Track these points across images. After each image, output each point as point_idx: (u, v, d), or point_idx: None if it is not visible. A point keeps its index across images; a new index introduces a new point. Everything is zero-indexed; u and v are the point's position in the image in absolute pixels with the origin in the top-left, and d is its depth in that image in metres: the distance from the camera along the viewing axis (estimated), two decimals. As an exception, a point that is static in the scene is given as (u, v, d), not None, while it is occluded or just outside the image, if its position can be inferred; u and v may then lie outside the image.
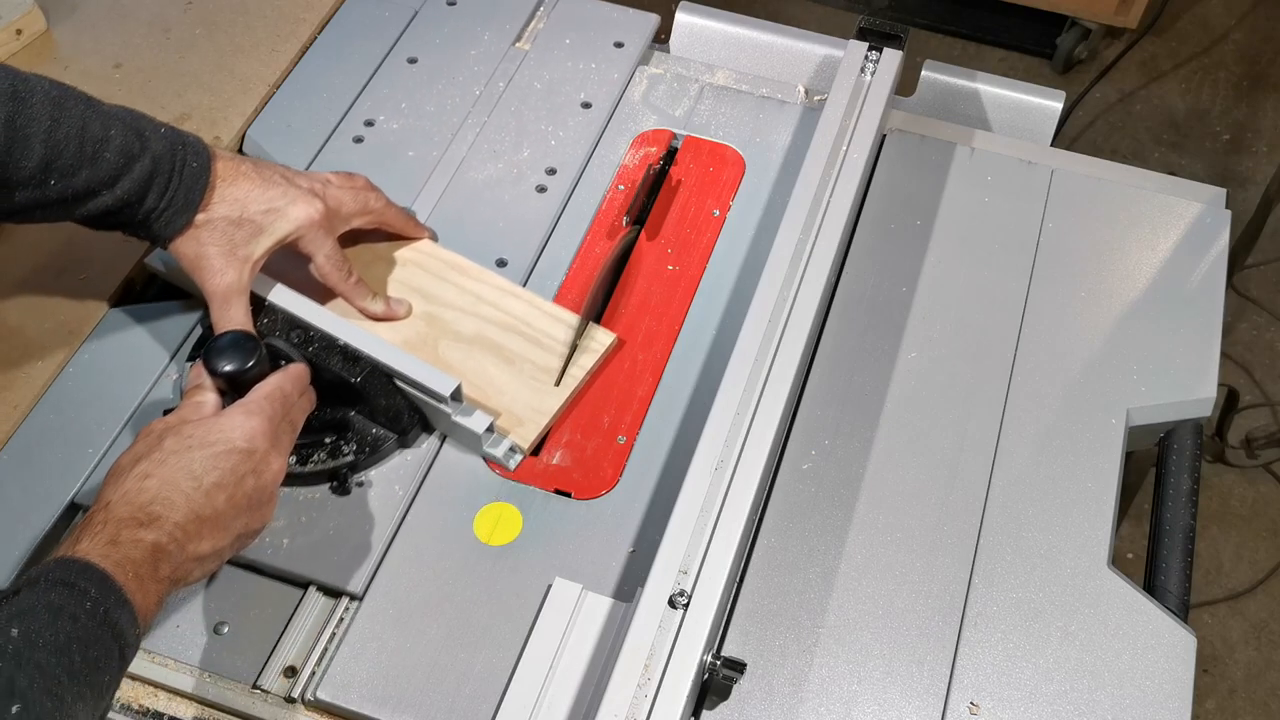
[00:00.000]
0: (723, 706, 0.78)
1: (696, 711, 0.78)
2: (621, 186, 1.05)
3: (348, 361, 0.84)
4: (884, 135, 1.10)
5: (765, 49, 1.16)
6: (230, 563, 0.82)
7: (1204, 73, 2.49)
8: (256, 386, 0.77)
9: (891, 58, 1.06)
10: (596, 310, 0.96)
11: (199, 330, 0.94)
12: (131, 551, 0.66)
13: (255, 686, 0.79)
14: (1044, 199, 1.05)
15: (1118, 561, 0.85)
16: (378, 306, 0.91)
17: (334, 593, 0.83)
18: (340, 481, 0.86)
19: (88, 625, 0.61)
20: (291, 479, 0.85)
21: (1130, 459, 0.94)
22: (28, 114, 0.77)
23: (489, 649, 0.80)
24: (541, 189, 1.04)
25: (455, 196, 1.04)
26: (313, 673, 0.79)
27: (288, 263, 0.88)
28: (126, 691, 0.80)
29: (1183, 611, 0.85)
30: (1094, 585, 0.83)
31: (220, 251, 0.83)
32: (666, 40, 1.18)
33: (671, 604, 0.75)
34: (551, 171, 1.06)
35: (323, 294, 0.91)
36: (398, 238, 0.97)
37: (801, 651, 0.80)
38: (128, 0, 1.18)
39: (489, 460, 0.88)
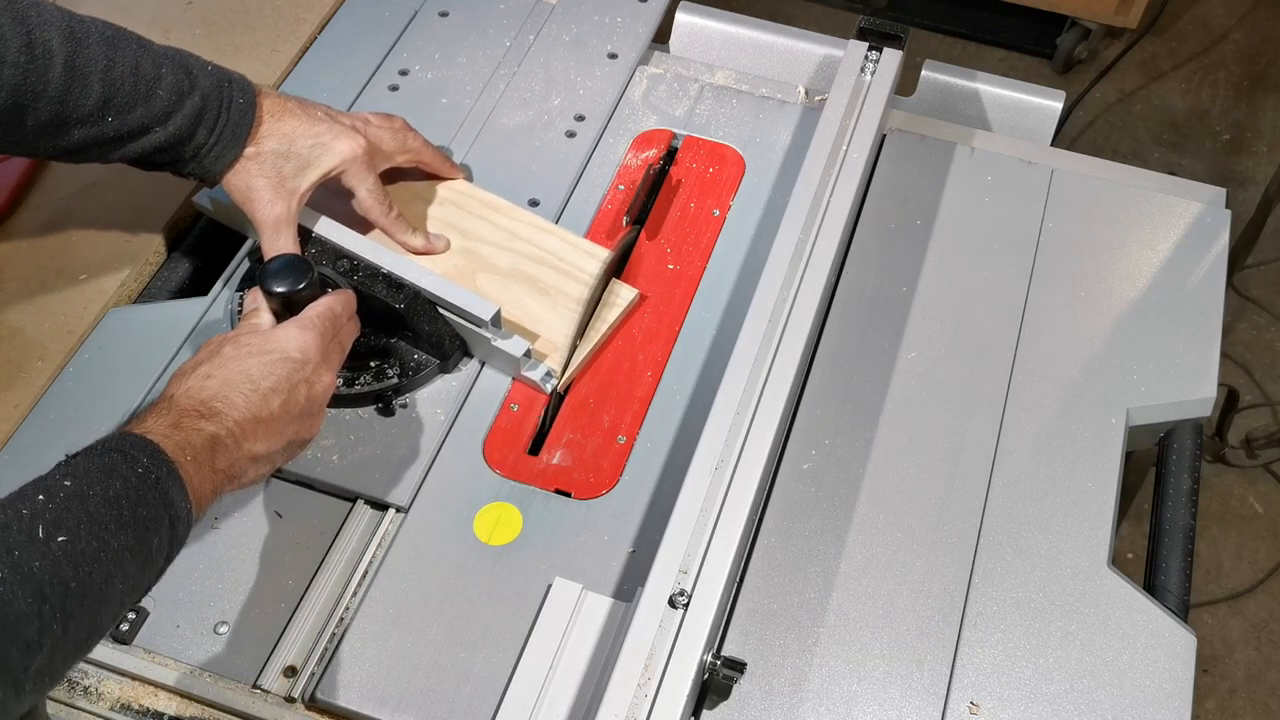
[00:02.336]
0: (723, 706, 0.78)
1: (696, 711, 0.78)
2: (621, 186, 1.05)
3: (392, 289, 0.87)
4: (884, 135, 1.10)
5: (765, 49, 1.16)
6: (284, 476, 0.87)
7: (1204, 73, 2.49)
8: (309, 306, 0.80)
9: (891, 58, 1.06)
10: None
11: (246, 264, 0.98)
12: (192, 437, 0.68)
13: (255, 686, 0.79)
14: (1044, 199, 1.05)
15: (1118, 561, 0.85)
16: (418, 240, 0.94)
17: (381, 505, 0.86)
18: (385, 403, 0.90)
19: (139, 487, 0.63)
20: (339, 400, 0.89)
21: (1130, 459, 0.94)
22: (86, 54, 0.80)
23: (489, 649, 0.80)
24: (571, 134, 1.08)
25: (487, 141, 1.08)
26: (313, 673, 0.79)
27: (332, 198, 0.91)
28: (127, 691, 0.80)
29: (1183, 611, 0.85)
30: (1094, 585, 0.83)
31: (269, 184, 0.86)
32: (666, 40, 1.18)
33: (671, 604, 0.75)
34: (580, 118, 1.09)
35: (364, 228, 0.93)
36: (434, 177, 1.00)
37: (801, 651, 0.80)
38: (127, 0, 1.18)
39: (528, 384, 0.91)
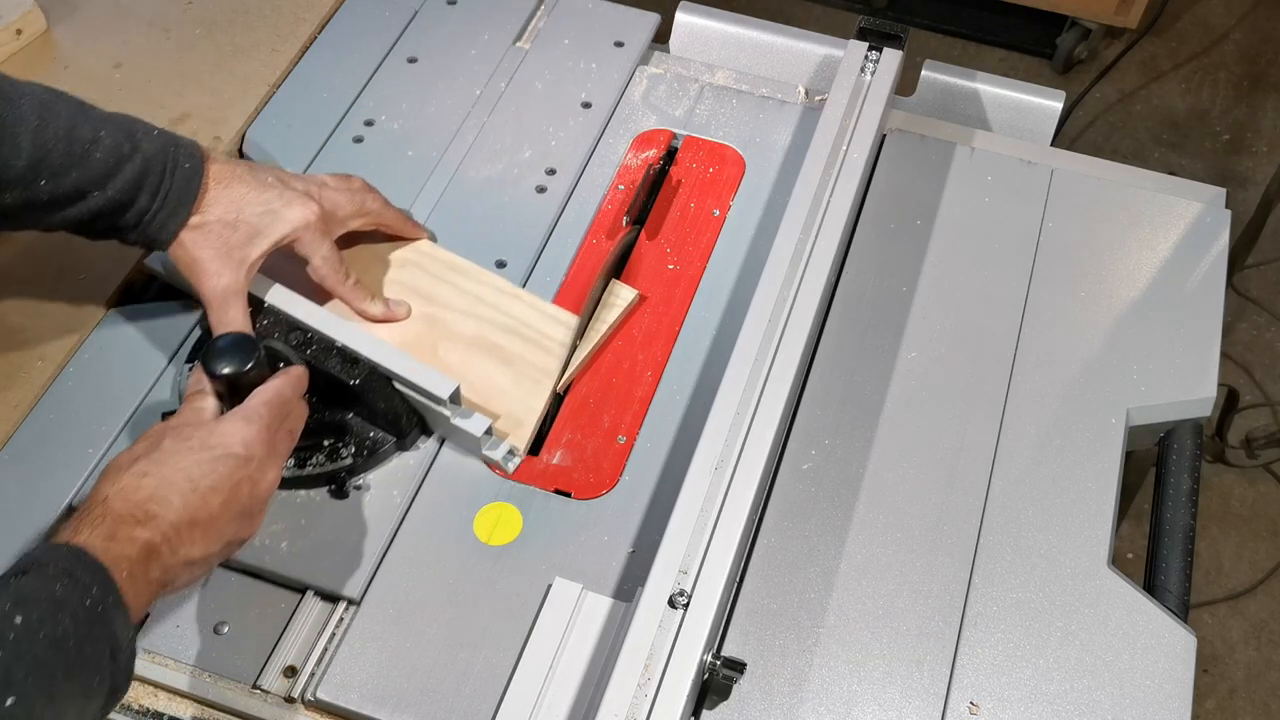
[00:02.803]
0: (723, 706, 0.78)
1: (696, 711, 0.78)
2: (621, 186, 1.05)
3: (346, 363, 0.84)
4: (884, 135, 1.10)
5: (765, 49, 1.16)
6: (227, 566, 0.82)
7: (1204, 73, 2.49)
8: (255, 391, 0.76)
9: (891, 58, 1.06)
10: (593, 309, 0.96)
11: (198, 331, 0.94)
12: (127, 549, 0.65)
13: (255, 686, 0.79)
14: (1044, 199, 1.05)
15: (1118, 561, 0.85)
16: (376, 308, 0.91)
17: (331, 598, 0.83)
18: (338, 485, 0.85)
19: (86, 621, 0.61)
20: (290, 482, 0.85)
21: (1130, 459, 0.93)
22: (15, 113, 0.77)
23: (489, 649, 0.80)
24: (541, 189, 1.04)
25: (455, 197, 1.04)
26: (312, 673, 0.79)
27: (287, 264, 0.88)
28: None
29: (1183, 611, 0.85)
30: (1094, 585, 0.83)
31: (216, 254, 0.83)
32: (666, 40, 1.18)
33: (671, 604, 0.75)
34: (551, 172, 1.05)
35: (322, 296, 0.90)
36: (397, 238, 0.97)
37: (801, 651, 0.80)
38: (127, 0, 1.18)
39: (488, 463, 0.88)
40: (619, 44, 1.15)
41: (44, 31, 1.14)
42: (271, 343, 0.82)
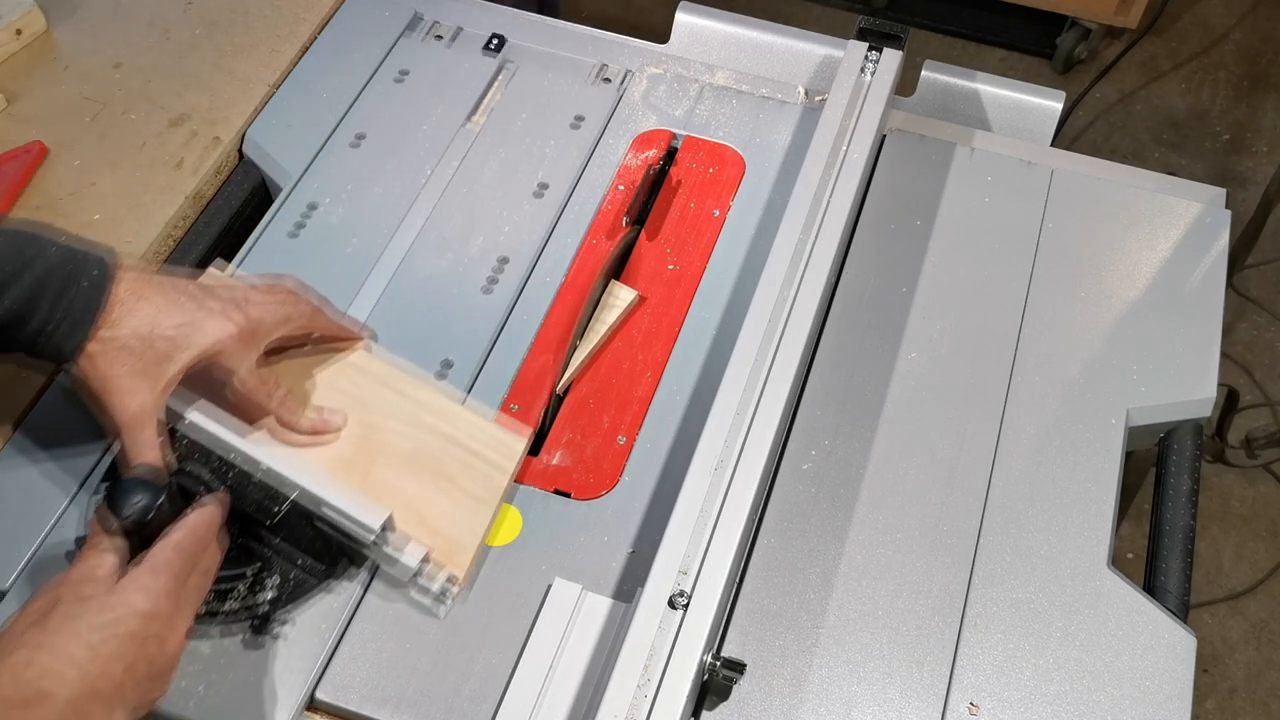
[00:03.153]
0: (723, 706, 0.78)
1: (696, 712, 0.78)
2: (621, 187, 1.05)
3: (267, 494, 0.78)
4: (884, 135, 1.10)
5: (765, 49, 1.16)
6: None
7: (1204, 73, 2.49)
8: (163, 535, 0.70)
9: (891, 58, 1.06)
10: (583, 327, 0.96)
11: (113, 453, 0.86)
12: None
13: (255, 687, 0.79)
14: (1044, 199, 1.05)
15: (1118, 561, 0.85)
16: (307, 424, 0.84)
17: None
18: (261, 621, 0.78)
19: None
20: (208, 618, 0.78)
21: (1130, 459, 0.94)
22: None
23: (489, 649, 0.80)
24: (491, 282, 0.98)
25: (399, 291, 0.97)
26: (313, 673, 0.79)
27: (212, 375, 0.81)
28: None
29: (1183, 611, 0.85)
30: (1094, 585, 0.83)
31: (128, 372, 0.76)
32: (666, 40, 1.18)
33: (671, 604, 0.75)
34: (504, 261, 0.99)
35: (249, 410, 0.83)
36: (334, 341, 0.90)
37: (801, 651, 0.80)
38: (128, 0, 1.18)
39: (419, 596, 0.82)
40: (578, 120, 1.09)
41: (44, 31, 1.14)
42: (187, 470, 0.78)
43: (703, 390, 0.92)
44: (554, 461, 0.89)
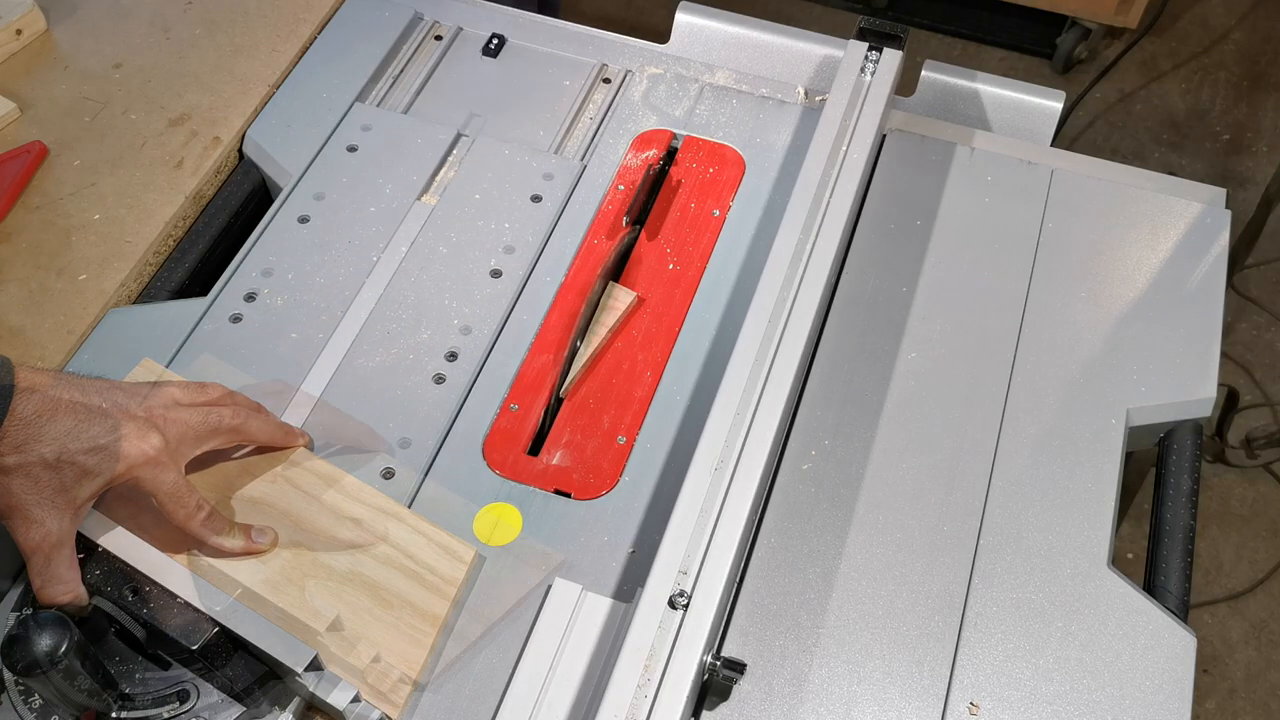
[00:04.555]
0: (723, 706, 0.78)
1: (696, 712, 0.78)
2: (621, 187, 1.05)
3: (185, 627, 0.73)
4: (884, 135, 1.10)
5: (765, 49, 1.16)
6: None
7: (1204, 73, 2.49)
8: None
9: (891, 58, 1.06)
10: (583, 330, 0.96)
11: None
12: None
13: (255, 687, 0.78)
14: (1044, 199, 1.05)
15: (1118, 561, 0.85)
16: (235, 543, 0.79)
17: None
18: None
19: None
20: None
21: (1130, 459, 0.94)
22: None
23: (489, 649, 0.80)
24: (440, 379, 0.92)
25: (342, 387, 0.92)
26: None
27: (132, 492, 0.77)
28: (126, 692, 0.79)
29: (1183, 611, 0.85)
30: (1094, 585, 0.83)
31: (37, 499, 0.72)
32: (666, 40, 1.18)
33: (671, 604, 0.75)
34: (452, 357, 0.93)
35: (172, 529, 0.78)
36: (268, 449, 0.85)
37: (801, 651, 0.80)
38: (128, 0, 1.18)
39: None
40: (536, 198, 1.03)
41: (44, 31, 1.15)
42: (101, 599, 0.75)
43: (703, 390, 0.92)
44: (554, 461, 0.89)
